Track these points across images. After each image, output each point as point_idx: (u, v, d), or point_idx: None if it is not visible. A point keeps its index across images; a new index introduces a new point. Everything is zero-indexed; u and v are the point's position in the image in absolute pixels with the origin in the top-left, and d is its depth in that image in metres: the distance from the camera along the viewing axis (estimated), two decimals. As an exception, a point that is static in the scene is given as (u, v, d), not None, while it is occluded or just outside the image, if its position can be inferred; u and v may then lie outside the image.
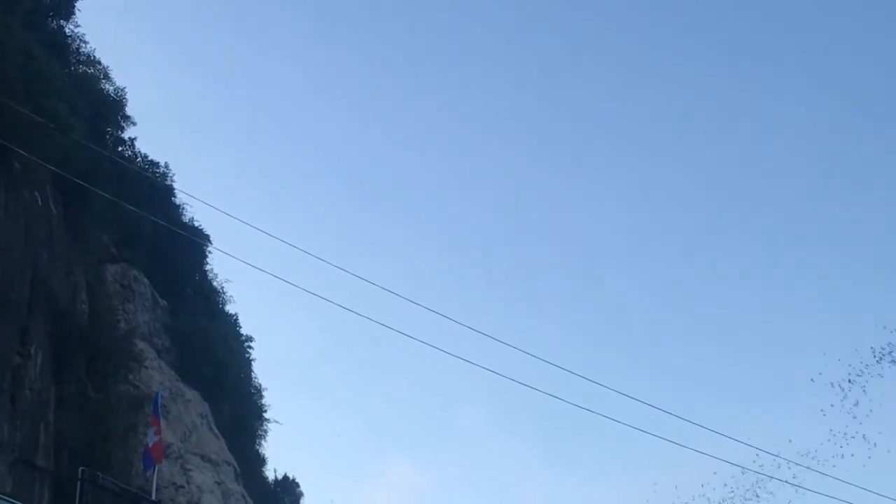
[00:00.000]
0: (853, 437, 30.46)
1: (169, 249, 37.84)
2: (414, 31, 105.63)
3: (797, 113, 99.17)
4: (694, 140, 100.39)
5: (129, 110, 35.34)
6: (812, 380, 31.77)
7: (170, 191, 38.33)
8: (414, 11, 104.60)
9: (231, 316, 43.03)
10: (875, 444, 30.12)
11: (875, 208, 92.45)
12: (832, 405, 30.45)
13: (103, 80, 33.92)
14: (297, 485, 45.07)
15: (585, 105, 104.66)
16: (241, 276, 54.21)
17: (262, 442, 43.06)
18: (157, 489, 25.73)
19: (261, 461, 42.61)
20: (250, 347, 43.25)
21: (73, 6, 32.52)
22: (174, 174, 38.52)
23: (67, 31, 32.79)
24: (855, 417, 30.36)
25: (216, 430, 35.63)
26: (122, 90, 34.67)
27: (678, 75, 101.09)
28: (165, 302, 37.09)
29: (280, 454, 64.05)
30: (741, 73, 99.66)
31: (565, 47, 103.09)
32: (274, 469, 43.85)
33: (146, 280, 35.54)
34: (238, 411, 40.19)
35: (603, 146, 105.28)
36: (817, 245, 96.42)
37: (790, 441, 29.08)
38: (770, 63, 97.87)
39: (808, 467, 26.67)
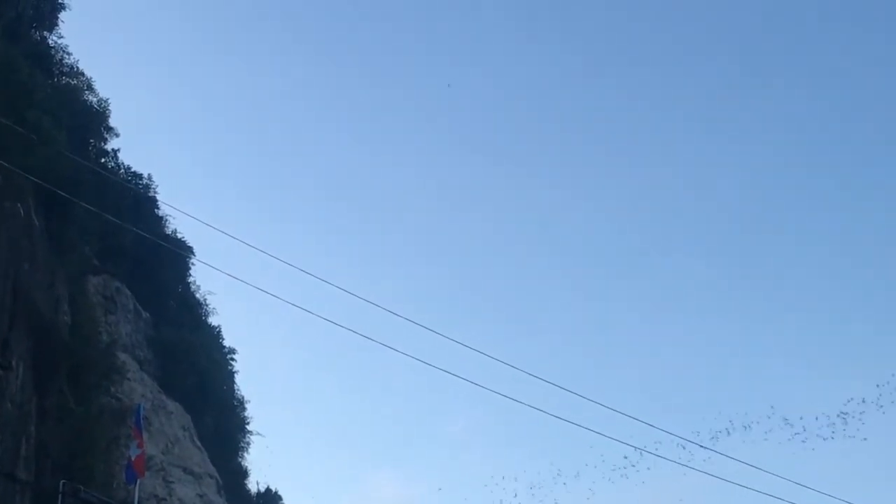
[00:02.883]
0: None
1: (152, 261, 37.72)
2: (398, 42, 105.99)
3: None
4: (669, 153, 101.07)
5: (112, 122, 35.36)
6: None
7: (153, 202, 38.25)
8: (395, 23, 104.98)
9: (214, 328, 42.90)
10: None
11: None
12: None
13: (86, 92, 33.90)
14: (280, 497, 44.82)
15: (575, 116, 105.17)
16: (224, 287, 54.05)
17: (245, 454, 42.92)
18: (139, 502, 25.65)
19: (243, 474, 42.42)
20: (233, 359, 43.13)
21: (56, 17, 32.55)
22: (157, 186, 38.49)
23: (50, 42, 32.84)
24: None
25: (198, 443, 35.48)
26: (105, 101, 34.68)
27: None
28: (148, 314, 36.94)
29: (263, 467, 63.76)
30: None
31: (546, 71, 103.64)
32: (257, 482, 43.65)
33: (128, 292, 35.40)
34: (221, 423, 40.03)
35: (591, 157, 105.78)
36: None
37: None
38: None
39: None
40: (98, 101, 34.40)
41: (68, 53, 33.31)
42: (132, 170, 37.68)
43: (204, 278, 43.39)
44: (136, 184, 37.34)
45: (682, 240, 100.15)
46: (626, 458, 35.75)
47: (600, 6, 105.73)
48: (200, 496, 33.05)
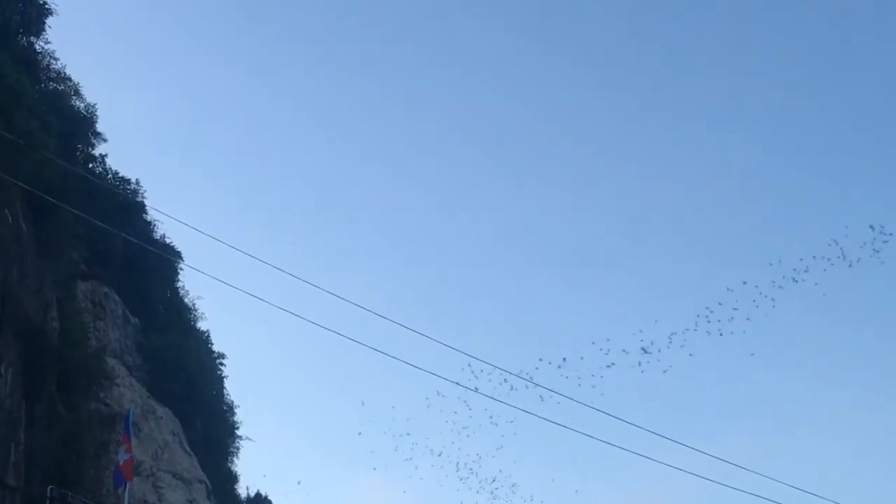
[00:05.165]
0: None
1: (140, 266, 37.63)
2: (393, 46, 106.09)
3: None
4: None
5: (100, 127, 35.25)
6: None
7: (141, 207, 38.14)
8: (391, 27, 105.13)
9: (203, 333, 42.82)
10: None
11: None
12: None
13: (74, 97, 33.77)
14: (270, 502, 44.86)
15: (537, 115, 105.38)
16: (213, 292, 53.93)
17: (235, 459, 42.88)
18: (128, 508, 25.64)
19: (233, 479, 42.39)
20: (222, 364, 43.08)
21: (44, 23, 32.37)
22: (145, 191, 38.33)
23: (38, 47, 32.63)
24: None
25: (188, 448, 35.43)
26: (93, 107, 34.56)
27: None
28: (137, 319, 36.86)
29: (252, 471, 63.83)
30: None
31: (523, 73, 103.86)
32: (246, 487, 43.64)
33: (117, 297, 35.32)
34: (210, 429, 39.98)
35: (585, 159, 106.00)
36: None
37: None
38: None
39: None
40: (86, 107, 34.32)
41: (55, 59, 33.21)
42: (120, 175, 37.59)
43: (193, 283, 43.39)
44: (125, 189, 37.25)
45: (679, 242, 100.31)
46: None
47: (599, 13, 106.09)
48: (190, 501, 33.00)
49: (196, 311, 42.73)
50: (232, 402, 43.36)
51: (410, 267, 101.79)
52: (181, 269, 41.36)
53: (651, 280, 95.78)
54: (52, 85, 32.95)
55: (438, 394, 35.82)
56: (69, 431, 25.67)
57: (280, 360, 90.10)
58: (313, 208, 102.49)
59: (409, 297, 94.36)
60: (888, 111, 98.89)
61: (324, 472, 79.48)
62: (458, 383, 26.46)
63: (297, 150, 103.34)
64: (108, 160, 36.85)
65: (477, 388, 26.91)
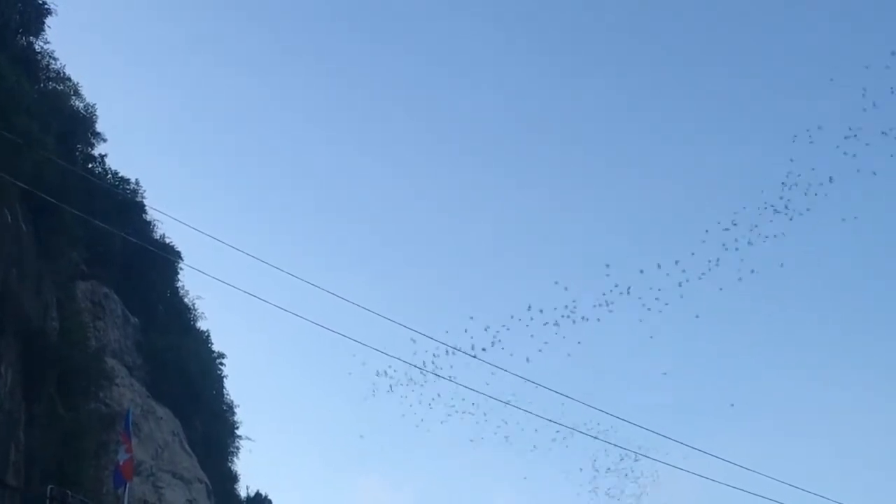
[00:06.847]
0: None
1: (140, 266, 37.65)
2: (379, 50, 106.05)
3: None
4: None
5: (99, 127, 35.30)
6: None
7: (141, 207, 38.16)
8: (390, 28, 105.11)
9: (203, 333, 42.83)
10: None
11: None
12: None
13: (73, 97, 33.81)
14: (270, 502, 44.87)
15: (537, 115, 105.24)
16: (213, 292, 53.99)
17: (235, 459, 42.90)
18: (128, 507, 25.66)
19: (233, 478, 42.41)
20: (222, 364, 43.09)
21: (43, 23, 32.39)
22: (145, 190, 38.34)
23: (37, 47, 32.66)
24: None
25: (188, 448, 35.44)
26: (92, 107, 34.61)
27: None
28: (136, 319, 36.88)
29: (253, 471, 64.00)
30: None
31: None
32: (247, 486, 43.65)
33: (117, 297, 35.33)
34: (210, 428, 40.00)
35: (582, 162, 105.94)
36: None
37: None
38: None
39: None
40: (85, 107, 34.37)
41: (55, 59, 33.24)
42: (120, 175, 37.61)
43: (193, 283, 43.41)
44: (124, 189, 37.27)
45: (678, 242, 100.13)
46: None
47: (599, 13, 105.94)
48: (190, 501, 33.02)
49: (196, 310, 42.77)
50: (232, 401, 43.42)
51: (410, 267, 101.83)
52: (181, 268, 41.39)
53: (650, 280, 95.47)
54: (51, 85, 32.99)
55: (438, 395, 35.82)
56: (69, 431, 25.70)
57: (280, 359, 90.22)
58: (313, 208, 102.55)
59: (409, 297, 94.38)
60: (888, 111, 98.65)
61: (324, 472, 79.71)
62: (474, 389, 26.60)
63: (297, 150, 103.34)
64: (107, 160, 36.92)
65: (476, 390, 26.95)
